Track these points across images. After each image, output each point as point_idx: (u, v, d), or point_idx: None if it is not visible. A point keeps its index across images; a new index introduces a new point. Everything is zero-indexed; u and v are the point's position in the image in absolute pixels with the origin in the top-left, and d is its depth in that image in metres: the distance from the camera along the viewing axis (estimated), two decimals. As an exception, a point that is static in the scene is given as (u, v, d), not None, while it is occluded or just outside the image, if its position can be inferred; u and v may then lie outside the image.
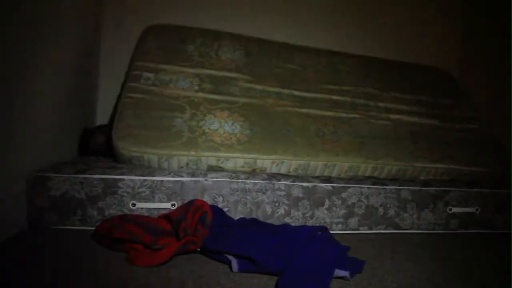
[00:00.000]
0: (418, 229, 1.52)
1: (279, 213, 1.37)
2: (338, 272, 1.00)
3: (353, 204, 1.44)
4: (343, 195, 1.43)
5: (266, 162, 1.51)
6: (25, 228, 1.21)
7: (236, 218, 1.32)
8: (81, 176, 1.25)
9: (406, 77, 2.27)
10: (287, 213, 1.38)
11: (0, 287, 0.83)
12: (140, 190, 1.27)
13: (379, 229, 1.48)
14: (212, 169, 1.47)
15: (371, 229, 1.47)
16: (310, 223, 1.40)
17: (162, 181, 1.28)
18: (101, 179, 1.25)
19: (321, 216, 1.41)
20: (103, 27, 2.11)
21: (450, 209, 1.54)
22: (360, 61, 2.24)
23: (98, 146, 1.74)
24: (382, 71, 2.23)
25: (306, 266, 0.96)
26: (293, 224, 1.37)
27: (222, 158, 1.47)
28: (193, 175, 1.34)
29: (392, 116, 1.94)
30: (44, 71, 1.32)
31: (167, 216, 1.17)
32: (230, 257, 1.03)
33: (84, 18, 1.80)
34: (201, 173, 1.37)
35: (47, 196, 1.22)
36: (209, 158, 1.46)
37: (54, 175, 1.24)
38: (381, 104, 1.99)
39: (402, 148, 1.75)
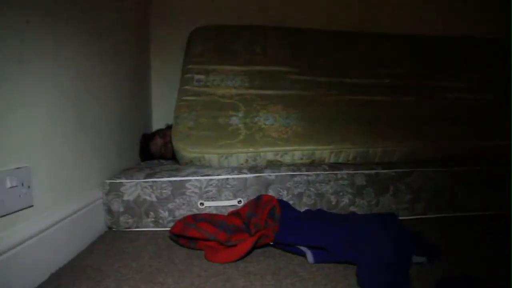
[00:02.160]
0: (489, 210, 1.46)
1: (344, 203, 1.37)
2: (415, 258, 0.99)
3: (419, 188, 1.41)
4: (408, 180, 1.40)
5: (324, 152, 1.51)
6: (105, 232, 1.29)
7: (302, 210, 1.33)
8: (151, 180, 1.30)
9: (456, 52, 2.17)
10: (352, 202, 1.37)
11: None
12: (207, 189, 1.31)
13: (448, 213, 1.44)
14: (271, 163, 1.49)
15: (439, 213, 1.43)
16: (375, 210, 1.39)
17: (227, 179, 1.32)
18: (169, 181, 1.30)
19: (386, 203, 1.39)
20: (152, 35, 2.18)
21: (524, 187, 1.47)
22: (407, 41, 2.17)
23: (158, 150, 1.81)
24: (430, 49, 2.15)
25: (383, 254, 0.95)
26: (359, 213, 1.36)
27: (280, 152, 1.48)
28: (255, 171, 1.36)
29: (448, 95, 1.87)
30: (108, 87, 1.41)
31: (237, 213, 1.20)
32: (304, 248, 1.05)
33: (134, 31, 1.86)
34: (263, 168, 1.39)
35: (121, 201, 1.29)
36: (267, 153, 1.48)
37: (126, 181, 1.30)
38: (434, 84, 1.92)
39: (463, 127, 1.68)
